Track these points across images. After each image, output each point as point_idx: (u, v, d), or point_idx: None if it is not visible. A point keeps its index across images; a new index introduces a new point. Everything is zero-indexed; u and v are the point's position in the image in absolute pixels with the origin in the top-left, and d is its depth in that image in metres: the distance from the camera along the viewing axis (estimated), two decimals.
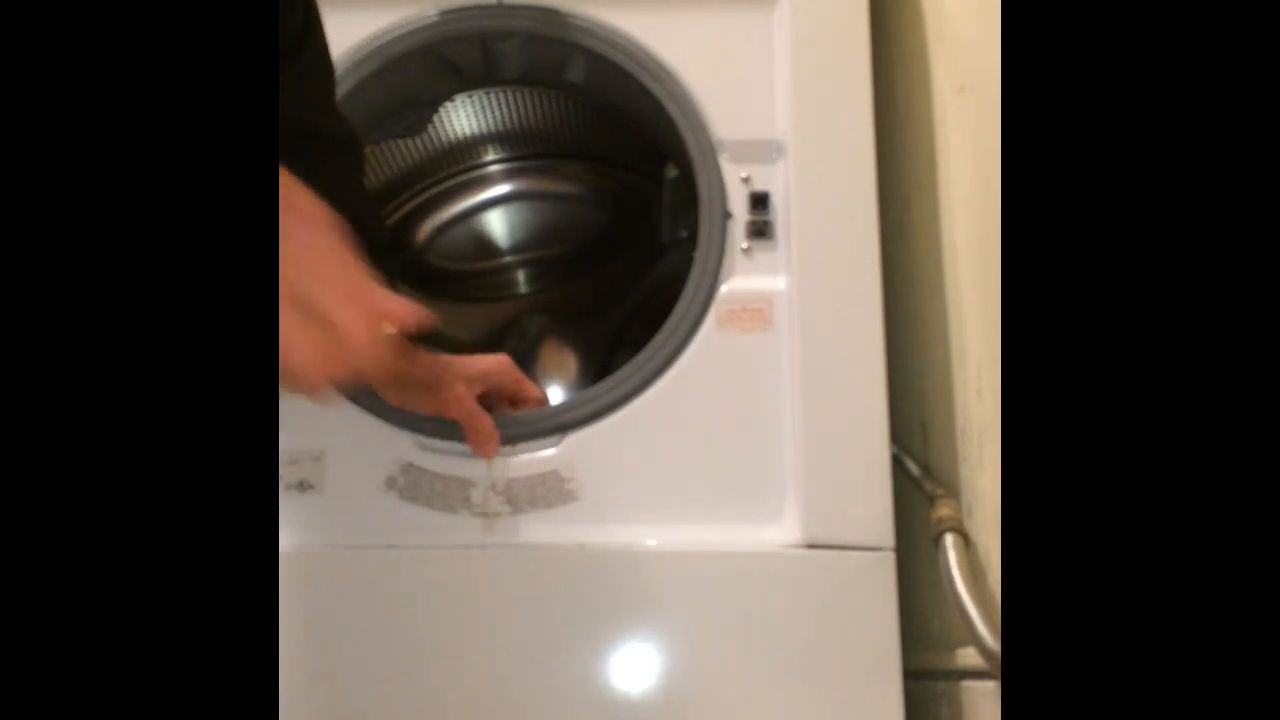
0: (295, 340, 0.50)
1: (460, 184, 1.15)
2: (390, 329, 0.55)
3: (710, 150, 0.84)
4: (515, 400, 0.78)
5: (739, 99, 0.86)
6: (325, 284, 0.52)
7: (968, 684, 0.75)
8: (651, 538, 0.75)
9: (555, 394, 1.11)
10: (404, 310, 0.56)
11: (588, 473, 0.77)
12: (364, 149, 0.78)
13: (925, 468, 0.85)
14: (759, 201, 0.83)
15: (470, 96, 1.03)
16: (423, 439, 0.77)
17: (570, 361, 1.14)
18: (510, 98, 1.05)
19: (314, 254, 0.52)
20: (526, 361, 1.13)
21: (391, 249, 1.12)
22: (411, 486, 0.76)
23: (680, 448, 0.77)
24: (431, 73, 0.93)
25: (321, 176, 0.65)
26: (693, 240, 0.84)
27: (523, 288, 1.19)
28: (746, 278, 0.81)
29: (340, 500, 0.76)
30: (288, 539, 0.74)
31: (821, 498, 0.76)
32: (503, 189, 1.15)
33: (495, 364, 0.78)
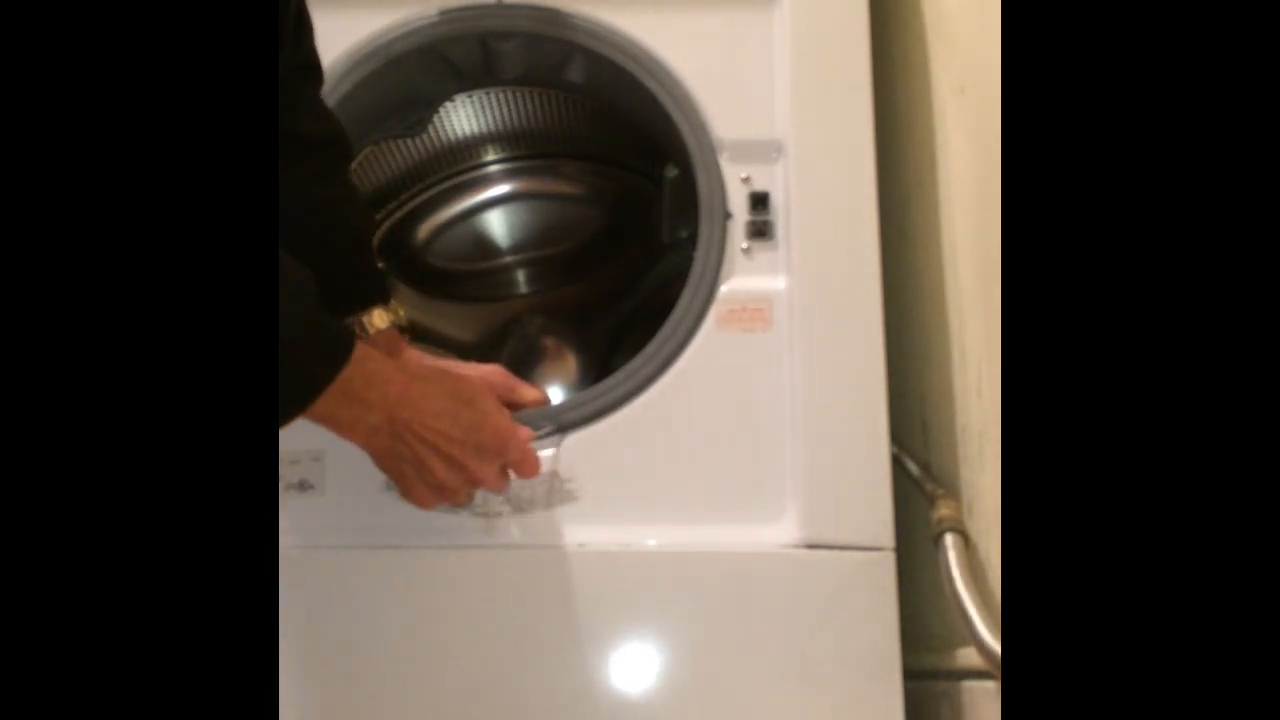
0: (429, 481, 0.68)
1: (460, 184, 1.15)
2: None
3: (710, 150, 0.84)
4: (512, 407, 0.78)
5: (739, 99, 0.86)
6: (466, 437, 0.68)
7: (968, 684, 0.75)
8: (651, 538, 0.75)
9: (555, 394, 1.11)
10: (529, 464, 0.73)
11: (588, 473, 0.77)
12: (350, 146, 0.78)
13: (925, 468, 0.85)
14: (759, 201, 0.83)
15: (470, 96, 1.03)
16: None
17: (570, 361, 1.14)
18: (510, 98, 1.05)
19: (464, 413, 0.68)
20: (526, 361, 1.13)
21: (381, 245, 1.13)
22: None
23: (680, 448, 0.77)
24: (431, 73, 0.93)
25: (299, 174, 0.67)
26: (693, 240, 0.84)
27: (522, 288, 1.19)
28: (746, 278, 0.81)
29: (340, 500, 0.76)
30: (288, 539, 0.74)
31: (821, 498, 0.76)
32: (502, 189, 1.15)
33: (490, 373, 0.78)
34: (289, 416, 0.60)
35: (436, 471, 0.67)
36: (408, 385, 0.66)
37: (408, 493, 0.70)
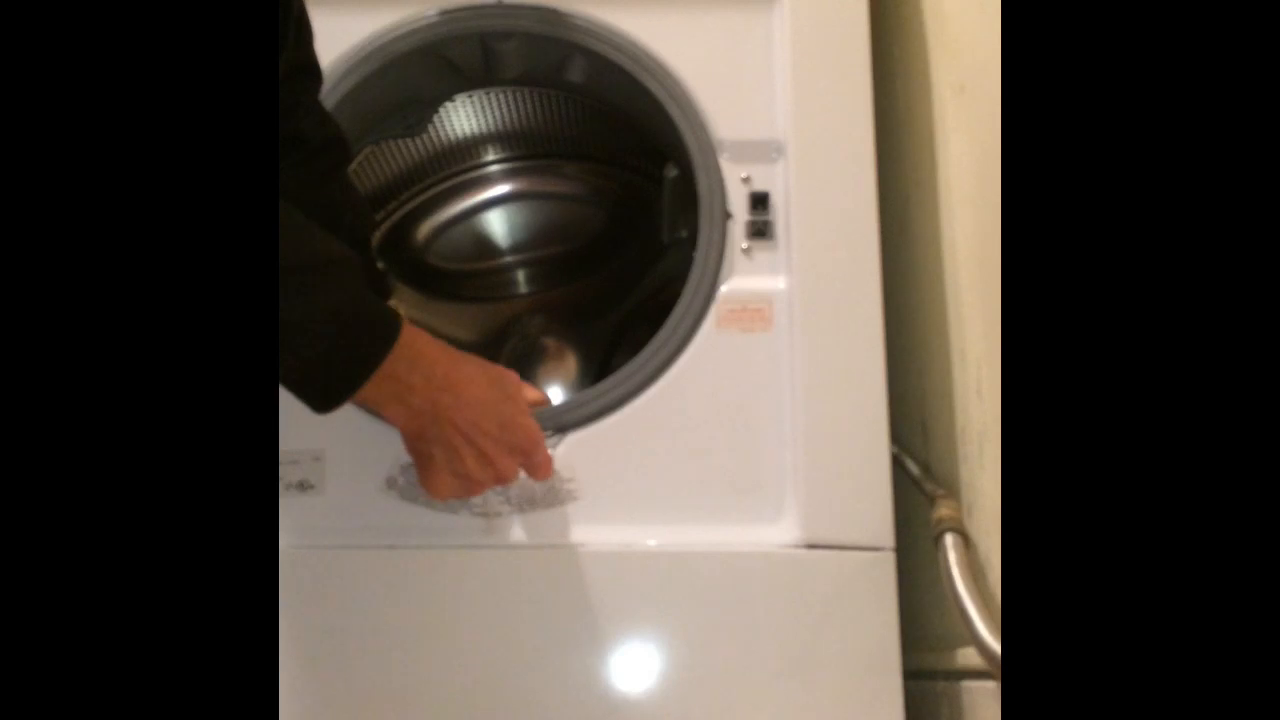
0: (456, 469, 0.68)
1: (460, 184, 1.15)
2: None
3: (710, 150, 0.84)
4: None
5: (739, 99, 0.86)
6: (500, 433, 0.68)
7: (968, 684, 0.75)
8: (651, 538, 0.75)
9: (555, 394, 1.11)
10: (547, 467, 0.73)
11: (588, 473, 0.77)
12: (349, 147, 0.79)
13: (925, 468, 0.85)
14: (759, 201, 0.83)
15: (470, 96, 1.03)
16: None
17: (570, 361, 1.14)
18: (510, 98, 1.05)
19: (503, 407, 0.68)
20: (526, 361, 1.13)
21: (381, 245, 1.13)
22: (411, 486, 0.75)
23: (680, 448, 0.77)
24: (431, 73, 0.93)
25: (299, 176, 0.68)
26: (693, 240, 0.84)
27: (523, 288, 1.19)
28: (746, 278, 0.81)
29: (340, 500, 0.76)
30: (288, 539, 0.74)
31: (821, 498, 0.76)
32: (503, 189, 1.15)
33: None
34: (343, 396, 0.60)
35: (466, 461, 0.67)
36: (451, 368, 0.66)
37: (429, 477, 0.69)
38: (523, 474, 0.74)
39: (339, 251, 0.59)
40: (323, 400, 0.60)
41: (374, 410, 0.65)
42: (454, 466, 0.68)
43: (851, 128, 0.84)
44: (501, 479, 0.70)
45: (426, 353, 0.64)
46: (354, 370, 0.60)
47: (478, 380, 0.68)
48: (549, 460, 0.73)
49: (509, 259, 1.18)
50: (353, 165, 1.01)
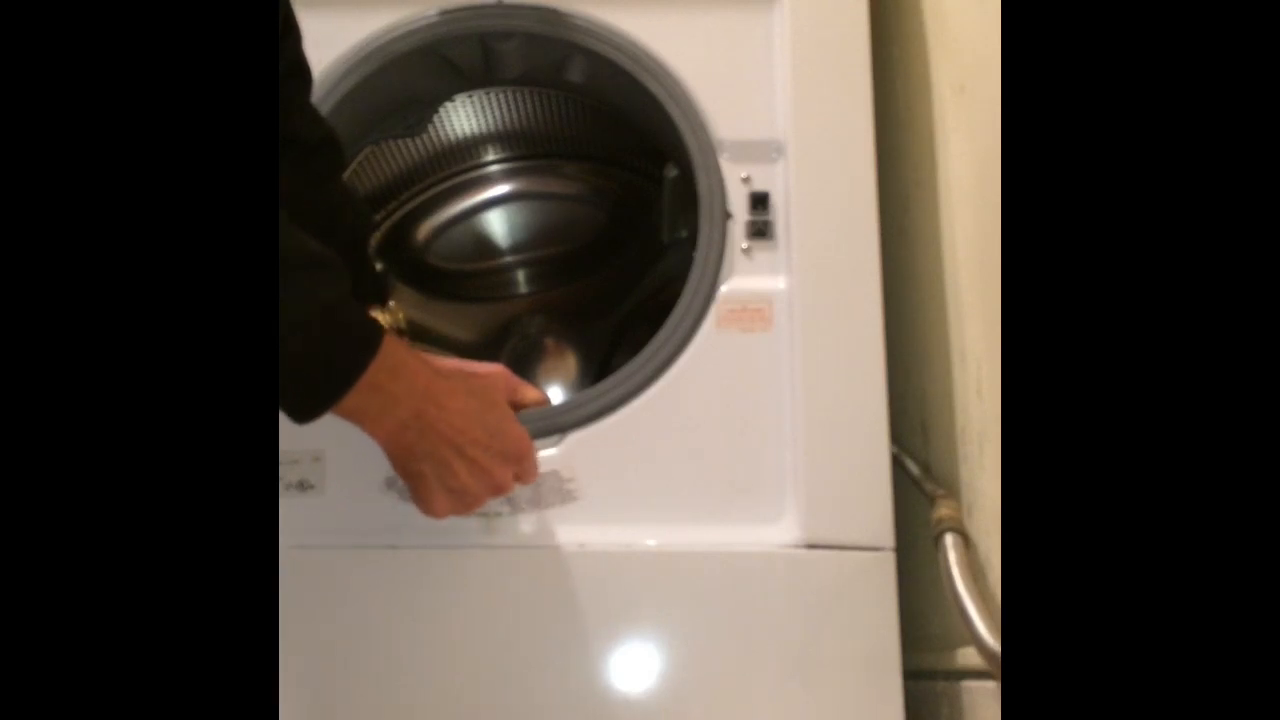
0: (450, 484, 0.65)
1: (460, 184, 1.15)
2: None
3: (710, 150, 0.84)
4: (515, 407, 0.78)
5: (739, 99, 0.86)
6: (490, 441, 0.66)
7: (968, 684, 0.75)
8: (651, 538, 0.75)
9: (555, 394, 1.11)
10: (534, 473, 0.72)
11: (588, 473, 0.77)
12: (343, 149, 0.78)
13: (925, 468, 0.85)
14: (759, 201, 0.83)
15: (470, 96, 1.03)
16: None
17: (570, 361, 1.14)
18: (510, 98, 1.05)
19: (488, 415, 0.67)
20: (527, 361, 1.13)
21: (381, 245, 1.13)
22: None
23: (680, 447, 0.77)
24: (431, 73, 0.93)
25: (295, 178, 0.67)
26: (693, 240, 0.84)
27: (523, 288, 1.19)
28: (746, 278, 0.81)
29: (340, 500, 0.76)
30: (288, 539, 0.74)
31: (821, 498, 0.76)
32: (503, 189, 1.15)
33: (494, 373, 0.78)
34: (326, 404, 0.58)
35: (460, 474, 0.65)
36: (432, 380, 0.64)
37: (423, 498, 0.67)
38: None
39: (323, 253, 0.57)
40: (304, 405, 0.58)
41: (363, 424, 0.62)
42: (447, 482, 0.66)
43: (851, 128, 0.84)
44: (499, 489, 0.68)
45: (408, 363, 0.62)
46: (337, 376, 0.58)
47: (459, 391, 0.65)
48: (536, 466, 0.72)
49: (509, 259, 1.18)
50: (353, 165, 1.01)
